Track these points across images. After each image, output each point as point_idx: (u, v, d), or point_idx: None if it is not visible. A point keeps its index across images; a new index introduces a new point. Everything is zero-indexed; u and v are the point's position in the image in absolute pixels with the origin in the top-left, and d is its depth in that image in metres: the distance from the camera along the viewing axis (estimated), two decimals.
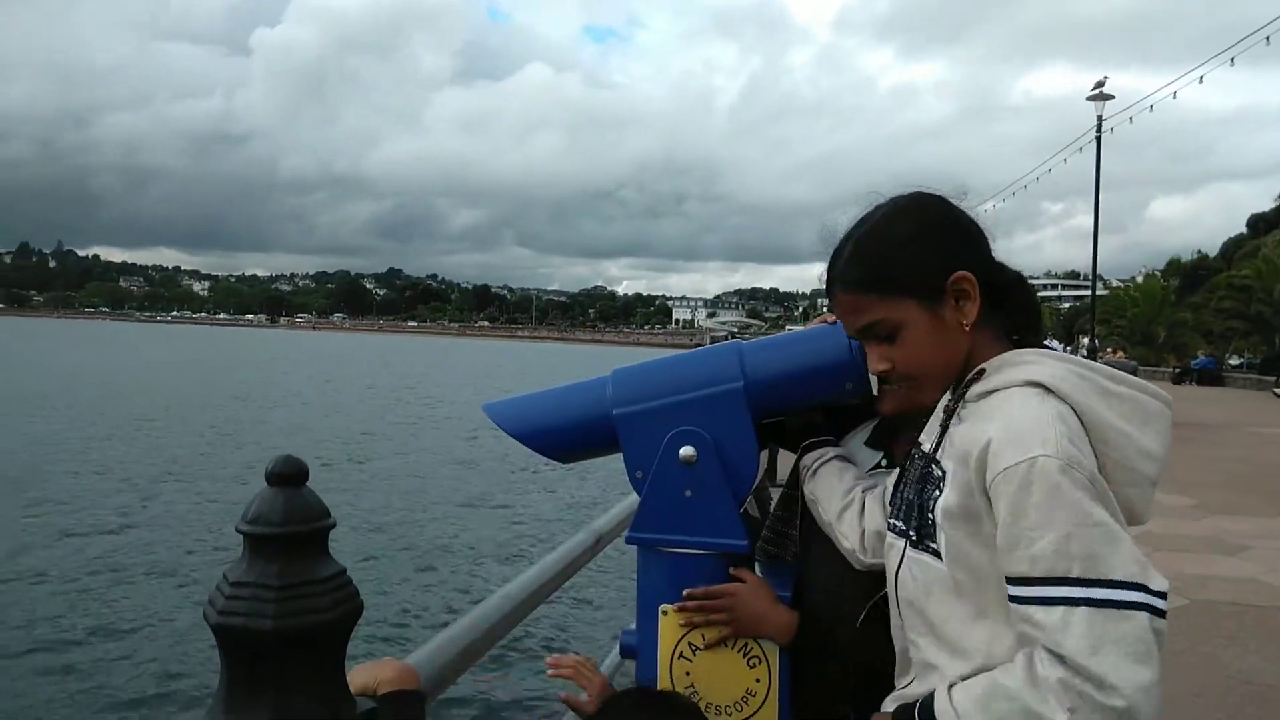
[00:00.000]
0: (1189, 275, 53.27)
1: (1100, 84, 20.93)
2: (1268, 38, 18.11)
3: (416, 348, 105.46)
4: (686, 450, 1.39)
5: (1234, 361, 40.45)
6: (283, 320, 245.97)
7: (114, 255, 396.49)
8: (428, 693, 1.14)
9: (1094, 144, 21.67)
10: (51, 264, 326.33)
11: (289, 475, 0.90)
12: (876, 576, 1.43)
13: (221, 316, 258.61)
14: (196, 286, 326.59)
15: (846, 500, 1.44)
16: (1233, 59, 19.69)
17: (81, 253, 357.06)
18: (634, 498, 2.92)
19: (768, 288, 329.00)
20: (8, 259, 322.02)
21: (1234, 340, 40.12)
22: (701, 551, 1.41)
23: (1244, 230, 72.06)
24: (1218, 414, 20.67)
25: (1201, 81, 21.03)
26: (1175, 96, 21.86)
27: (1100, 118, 21.29)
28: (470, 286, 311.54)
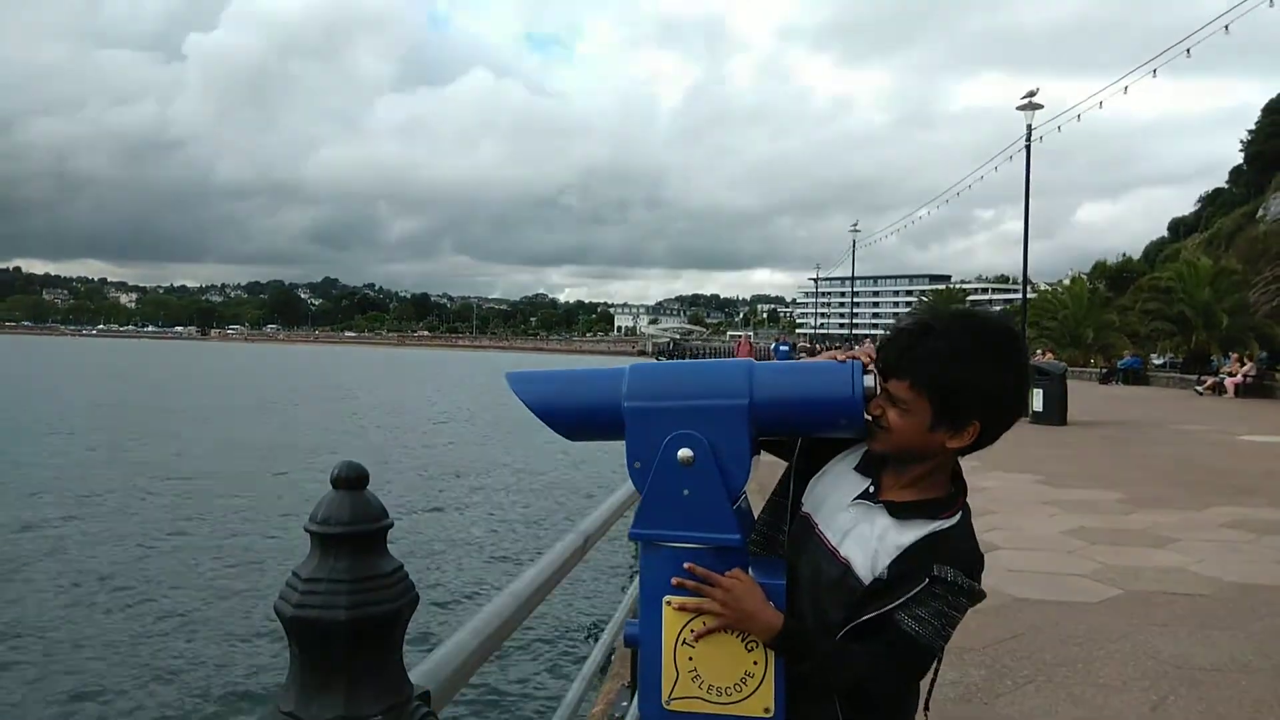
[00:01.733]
0: (1114, 278, 54.94)
1: (1032, 94, 21.60)
2: (1188, 50, 18.88)
3: (356, 358, 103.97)
4: (685, 452, 1.48)
5: (1157, 361, 41.86)
6: (214, 332, 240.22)
7: (36, 268, 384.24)
8: (437, 699, 1.18)
9: (1024, 152, 22.38)
10: None
11: (353, 479, 0.98)
12: (858, 590, 1.50)
13: (150, 329, 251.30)
14: (124, 298, 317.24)
15: None
16: (1155, 70, 20.53)
17: (1, 265, 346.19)
18: (613, 500, 3.03)
19: (709, 294, 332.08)
20: None
21: (1159, 340, 41.49)
22: (699, 546, 1.51)
23: (1165, 234, 74.85)
24: (1144, 412, 21.43)
25: (1126, 92, 21.89)
26: (1101, 106, 22.72)
27: (1030, 126, 21.99)
28: (409, 295, 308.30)
